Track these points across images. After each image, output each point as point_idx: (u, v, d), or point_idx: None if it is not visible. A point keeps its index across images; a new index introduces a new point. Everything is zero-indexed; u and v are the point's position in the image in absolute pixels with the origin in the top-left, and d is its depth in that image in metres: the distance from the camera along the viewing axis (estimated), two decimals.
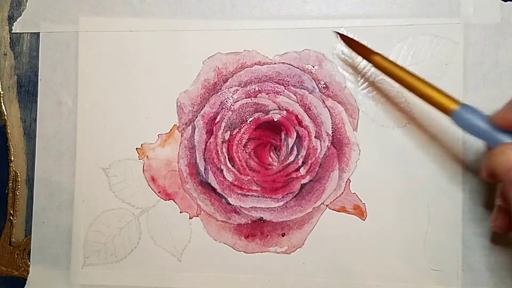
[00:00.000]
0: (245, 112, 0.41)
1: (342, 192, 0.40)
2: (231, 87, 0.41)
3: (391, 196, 0.40)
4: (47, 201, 0.42)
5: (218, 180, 0.41)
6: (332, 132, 0.40)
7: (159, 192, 0.41)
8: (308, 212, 0.41)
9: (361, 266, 0.40)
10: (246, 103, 0.41)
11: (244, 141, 0.41)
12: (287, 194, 0.41)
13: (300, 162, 0.41)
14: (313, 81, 0.41)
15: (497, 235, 0.39)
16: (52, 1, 0.42)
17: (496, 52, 0.40)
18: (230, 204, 0.41)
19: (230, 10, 0.41)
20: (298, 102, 0.41)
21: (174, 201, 0.41)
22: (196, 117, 0.41)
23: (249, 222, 0.41)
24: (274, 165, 0.41)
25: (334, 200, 0.40)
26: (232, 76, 0.41)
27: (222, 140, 0.41)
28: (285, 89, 0.41)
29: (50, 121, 0.42)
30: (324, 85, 0.41)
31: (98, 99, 0.42)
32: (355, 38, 0.39)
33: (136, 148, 0.42)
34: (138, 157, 0.42)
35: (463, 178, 0.39)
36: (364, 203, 0.40)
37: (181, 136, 0.41)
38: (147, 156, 0.42)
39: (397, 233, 0.40)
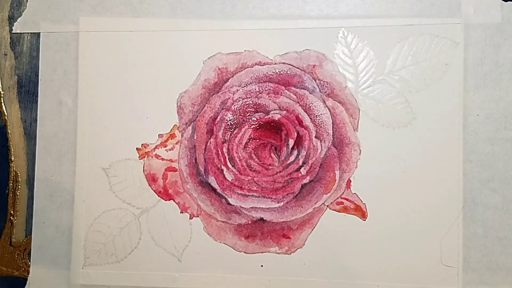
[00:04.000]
0: (245, 112, 0.41)
1: (343, 192, 0.40)
2: (231, 87, 0.41)
3: (392, 196, 0.40)
4: (47, 201, 0.42)
5: (218, 180, 0.41)
6: (333, 132, 0.40)
7: (159, 192, 0.41)
8: (309, 213, 0.41)
9: (361, 266, 0.40)
10: (247, 103, 0.41)
11: (244, 141, 0.41)
12: (287, 194, 0.41)
13: (300, 162, 0.41)
14: (313, 81, 0.41)
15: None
16: (52, 1, 0.42)
17: (496, 52, 0.40)
18: (231, 204, 0.41)
19: (230, 10, 0.41)
20: (298, 102, 0.41)
21: (174, 201, 0.41)
22: (197, 117, 0.41)
23: (250, 222, 0.41)
24: (275, 165, 0.41)
25: (334, 201, 0.40)
26: (233, 76, 0.41)
27: (222, 140, 0.41)
28: (285, 89, 0.41)
29: (50, 121, 0.42)
30: (325, 85, 0.41)
31: (98, 99, 0.42)
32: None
33: (136, 148, 0.42)
34: (138, 157, 0.42)
35: (463, 178, 0.39)
36: (365, 203, 0.40)
37: (182, 136, 0.41)
38: (147, 156, 0.42)
39: (398, 233, 0.40)
